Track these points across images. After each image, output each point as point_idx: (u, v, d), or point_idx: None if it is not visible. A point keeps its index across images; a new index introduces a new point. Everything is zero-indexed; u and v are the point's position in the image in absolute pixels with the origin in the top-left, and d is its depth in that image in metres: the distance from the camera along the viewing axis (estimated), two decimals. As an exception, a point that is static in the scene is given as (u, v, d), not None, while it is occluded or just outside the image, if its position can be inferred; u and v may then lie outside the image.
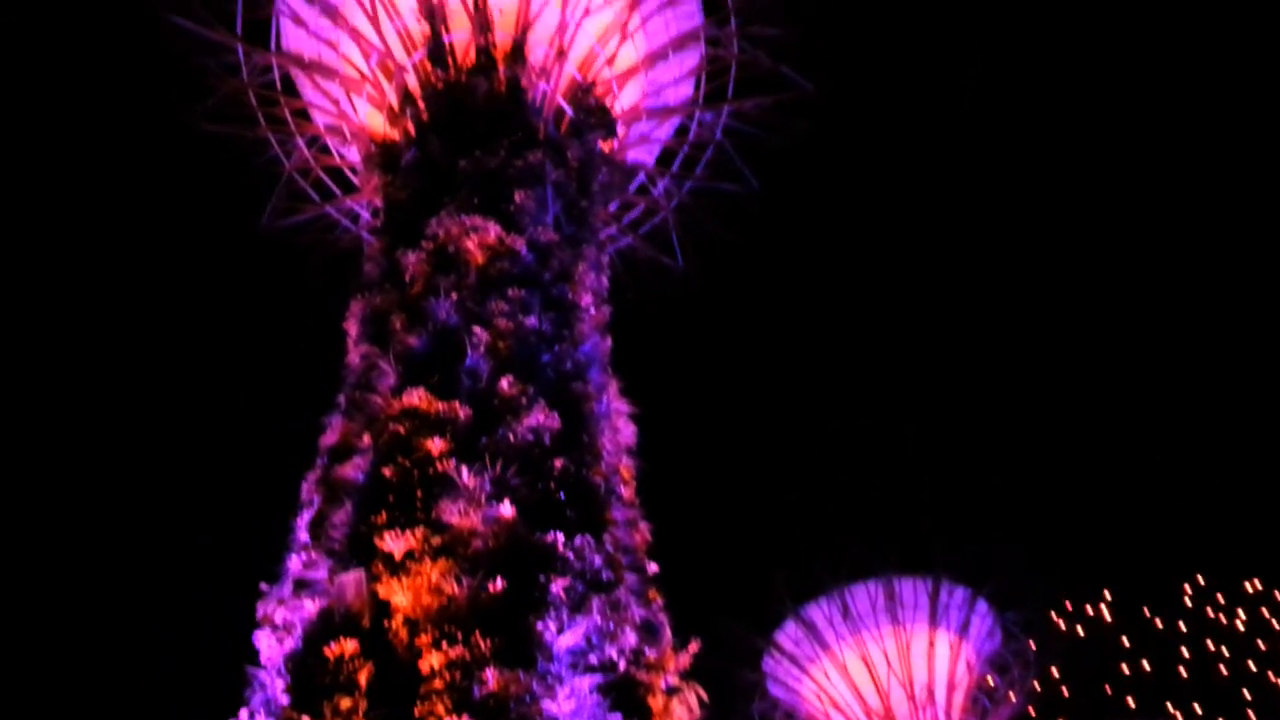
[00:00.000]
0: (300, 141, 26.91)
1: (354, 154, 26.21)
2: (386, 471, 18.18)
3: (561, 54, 24.18)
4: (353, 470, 18.57)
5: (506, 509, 17.73)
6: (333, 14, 25.09)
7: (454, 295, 20.45)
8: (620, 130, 25.87)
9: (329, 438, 19.54)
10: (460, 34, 24.05)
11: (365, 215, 26.82)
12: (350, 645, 16.49)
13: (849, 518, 36.62)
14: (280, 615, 17.53)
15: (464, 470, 17.92)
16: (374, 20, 24.29)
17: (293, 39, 26.29)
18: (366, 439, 18.87)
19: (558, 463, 18.75)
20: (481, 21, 23.78)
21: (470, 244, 21.09)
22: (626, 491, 20.33)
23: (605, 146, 25.27)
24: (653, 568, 19.70)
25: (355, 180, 26.78)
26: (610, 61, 25.47)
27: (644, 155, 28.26)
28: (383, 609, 16.90)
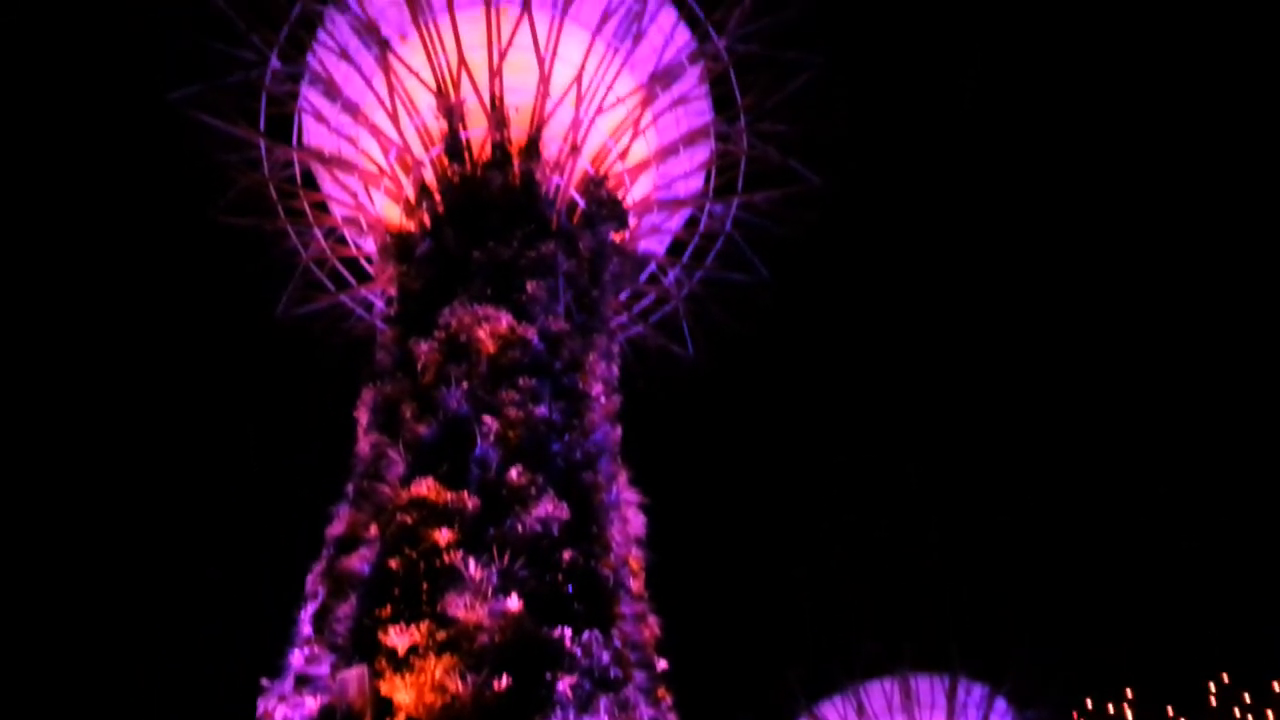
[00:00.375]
0: (318, 232, 27.46)
1: (370, 244, 26.69)
2: (393, 563, 17.99)
3: (575, 149, 24.77)
4: (359, 562, 18.39)
5: (513, 603, 17.45)
6: (353, 111, 25.88)
7: (465, 384, 20.53)
8: (632, 221, 26.33)
9: (336, 528, 19.41)
10: (477, 130, 24.71)
11: (379, 304, 27.14)
12: (350, 745, 16.04)
13: (864, 613, 35.82)
14: (281, 712, 17.16)
15: (471, 562, 17.72)
16: (394, 117, 25.01)
17: (314, 134, 27.07)
18: (374, 529, 18.73)
19: (566, 554, 18.53)
20: (498, 119, 24.46)
21: (482, 333, 21.26)
22: (635, 584, 20.03)
23: (617, 237, 25.68)
24: (662, 664, 19.28)
25: (370, 270, 27.21)
26: (623, 156, 26.07)
27: (655, 245, 28.68)
28: (385, 707, 16.51)
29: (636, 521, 21.13)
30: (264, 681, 17.90)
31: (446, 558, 17.81)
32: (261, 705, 17.59)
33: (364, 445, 20.50)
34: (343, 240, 27.85)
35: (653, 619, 19.72)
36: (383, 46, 25.13)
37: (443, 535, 18.08)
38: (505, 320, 21.33)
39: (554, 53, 24.63)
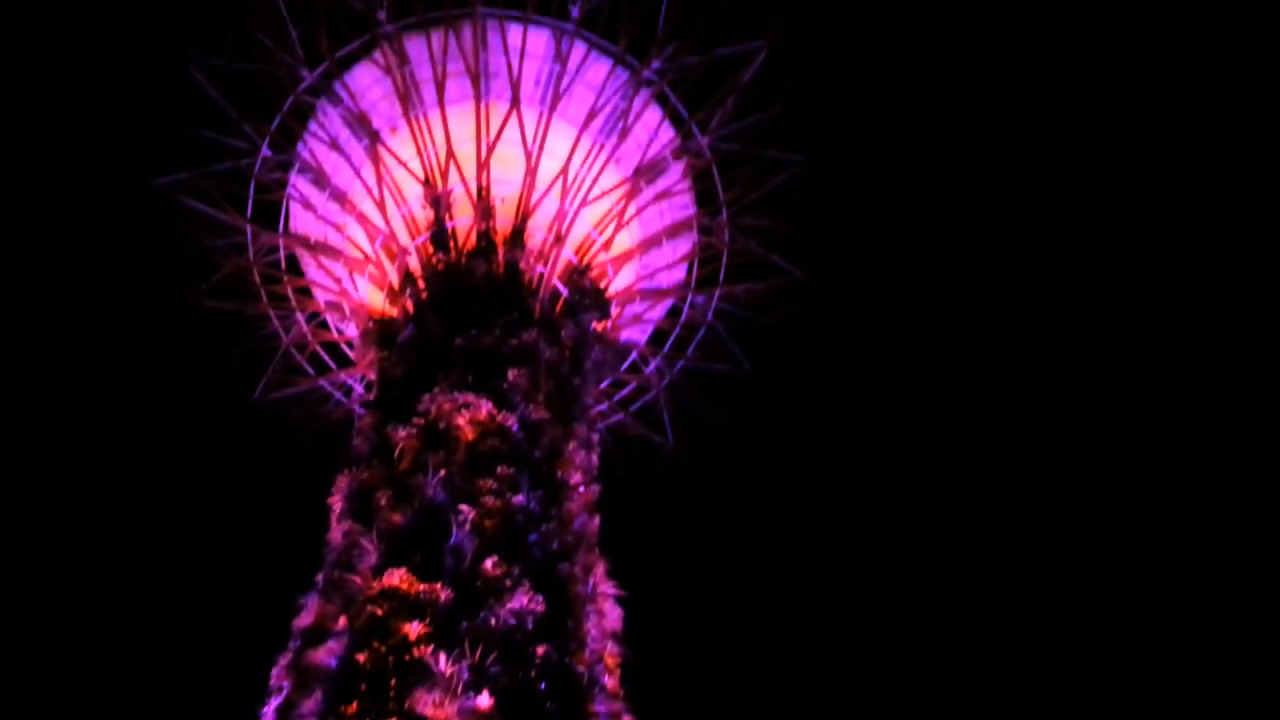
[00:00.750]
0: (300, 317, 27.53)
1: (351, 329, 26.73)
2: (360, 657, 17.49)
3: (559, 239, 25.12)
4: (325, 655, 17.87)
5: (484, 700, 16.95)
6: (341, 199, 26.24)
7: (442, 472, 20.30)
8: (614, 310, 26.55)
9: (304, 619, 18.92)
10: (463, 220, 25.06)
11: (359, 389, 27.04)
12: None
13: (848, 706, 34.92)
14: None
15: (441, 657, 17.24)
16: (381, 206, 25.36)
17: (300, 221, 27.37)
18: (342, 621, 18.27)
19: (540, 650, 18.09)
20: (484, 209, 24.84)
21: (461, 421, 21.13)
22: (610, 681, 19.51)
23: (599, 326, 25.85)
24: (637, 767, 18.65)
25: (350, 355, 27.19)
26: (606, 246, 26.44)
27: (637, 335, 28.88)
28: (346, 811, 15.82)
29: (613, 615, 20.70)
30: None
31: (416, 652, 17.34)
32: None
33: (336, 534, 20.14)
34: (324, 325, 27.91)
35: (627, 718, 19.16)
36: (373, 138, 25.65)
37: (413, 628, 17.63)
38: (485, 408, 21.24)
39: (541, 147, 25.19)
